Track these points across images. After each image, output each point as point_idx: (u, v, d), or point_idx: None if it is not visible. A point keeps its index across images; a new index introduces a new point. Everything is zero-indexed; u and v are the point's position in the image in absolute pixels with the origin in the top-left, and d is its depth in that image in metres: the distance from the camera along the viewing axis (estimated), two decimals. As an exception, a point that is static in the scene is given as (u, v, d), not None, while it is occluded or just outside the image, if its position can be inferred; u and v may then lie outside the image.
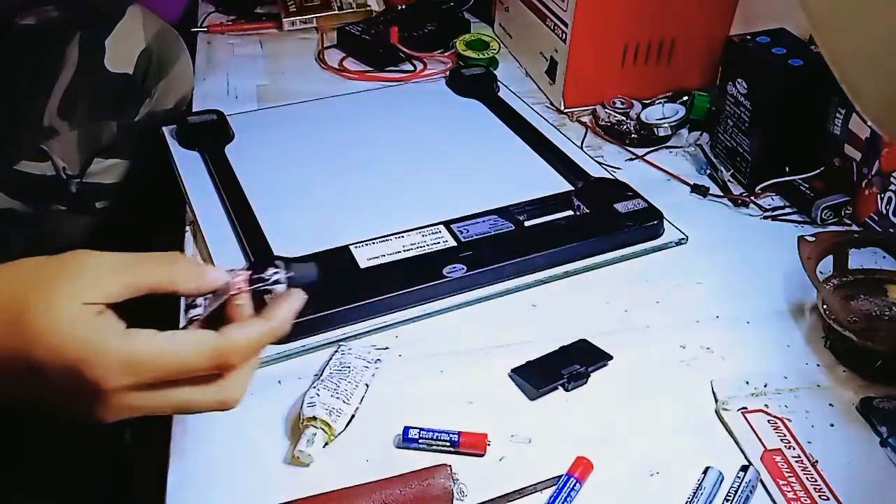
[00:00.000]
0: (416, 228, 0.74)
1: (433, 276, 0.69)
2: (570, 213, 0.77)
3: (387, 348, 0.65)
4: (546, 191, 0.80)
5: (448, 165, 0.86)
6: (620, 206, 0.77)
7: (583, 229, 0.75)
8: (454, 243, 0.72)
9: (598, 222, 0.76)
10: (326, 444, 0.56)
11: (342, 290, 0.67)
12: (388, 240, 0.72)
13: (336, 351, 0.63)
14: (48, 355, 0.43)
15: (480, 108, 0.96)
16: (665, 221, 0.77)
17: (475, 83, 1.00)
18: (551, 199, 0.78)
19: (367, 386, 0.61)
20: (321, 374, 0.61)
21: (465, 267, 0.69)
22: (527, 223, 0.75)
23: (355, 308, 0.66)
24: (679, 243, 0.77)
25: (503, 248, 0.72)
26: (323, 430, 0.56)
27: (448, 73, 1.02)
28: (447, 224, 0.74)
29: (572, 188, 0.81)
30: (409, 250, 0.71)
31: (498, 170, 0.85)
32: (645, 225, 0.76)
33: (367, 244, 0.72)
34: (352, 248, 0.71)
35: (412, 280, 0.68)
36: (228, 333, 0.48)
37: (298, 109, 0.95)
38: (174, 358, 0.46)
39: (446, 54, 1.09)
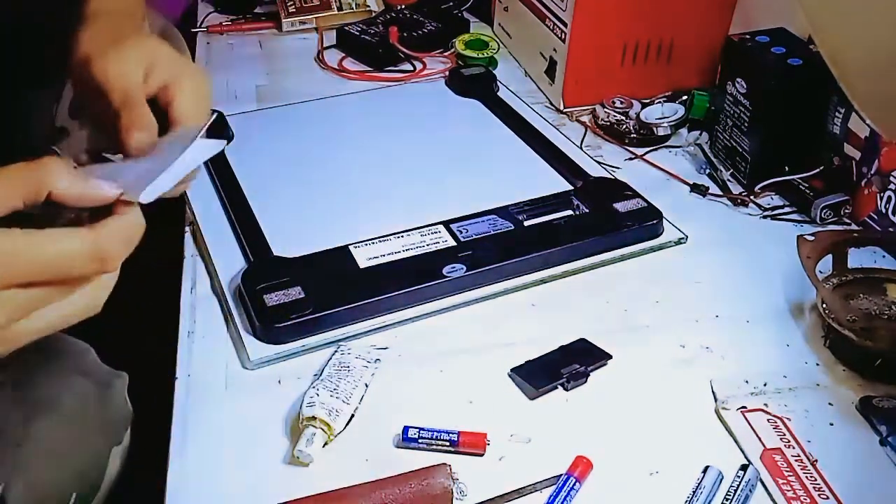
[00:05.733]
0: (416, 228, 0.74)
1: (433, 275, 0.69)
2: (570, 212, 0.77)
3: (386, 348, 0.65)
4: (545, 190, 0.80)
5: (447, 165, 0.86)
6: (620, 206, 0.77)
7: (582, 229, 0.75)
8: (454, 243, 0.72)
9: (597, 222, 0.76)
10: (326, 443, 0.56)
11: (342, 291, 0.67)
12: (387, 240, 0.72)
13: (336, 351, 0.63)
14: None
15: (480, 108, 0.96)
16: (664, 221, 0.77)
17: (475, 83, 1.00)
18: (551, 199, 0.78)
19: (367, 386, 0.61)
20: (321, 374, 0.61)
21: (464, 267, 0.69)
22: (526, 223, 0.75)
23: (355, 308, 0.66)
24: (678, 243, 0.77)
25: (503, 248, 0.72)
26: (322, 429, 0.56)
27: (448, 73, 1.02)
28: (447, 224, 0.74)
29: (571, 188, 0.81)
30: (408, 250, 0.71)
31: (497, 169, 0.85)
32: (644, 224, 0.76)
33: (366, 244, 0.72)
34: (351, 248, 0.71)
35: (412, 280, 0.68)
36: (106, 225, 0.45)
37: (298, 109, 0.95)
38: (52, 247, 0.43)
39: (446, 54, 1.09)
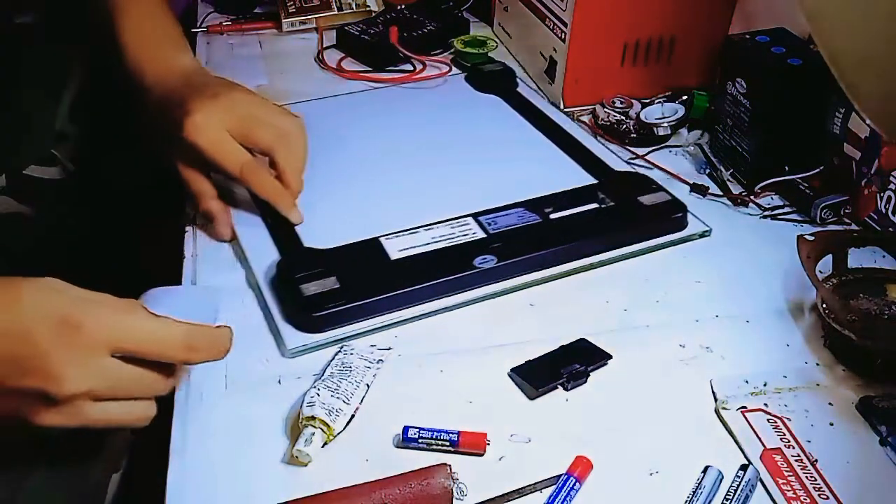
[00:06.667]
0: (445, 221, 0.74)
1: (464, 266, 0.69)
2: (595, 205, 0.78)
3: (389, 349, 0.65)
4: (569, 184, 0.80)
5: (471, 160, 0.86)
6: (645, 199, 0.78)
7: (609, 221, 0.76)
8: (483, 235, 0.73)
9: (623, 215, 0.77)
10: (325, 443, 0.56)
11: (376, 281, 0.68)
12: (417, 232, 0.73)
13: (339, 351, 0.63)
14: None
15: (500, 103, 0.97)
16: (689, 214, 0.78)
17: (495, 79, 1.01)
18: (576, 193, 0.79)
19: (368, 386, 0.61)
20: (322, 374, 0.61)
21: (495, 258, 0.70)
22: (552, 215, 0.76)
23: (390, 298, 0.67)
24: (703, 235, 0.78)
25: (532, 240, 0.73)
26: (322, 429, 0.56)
27: (468, 69, 1.04)
28: (475, 216, 0.75)
29: (595, 181, 0.81)
30: (438, 242, 0.72)
31: (521, 163, 0.86)
32: (670, 217, 0.77)
33: (396, 236, 0.72)
34: (382, 239, 0.72)
35: (445, 270, 0.69)
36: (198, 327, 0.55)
37: (312, 107, 0.95)
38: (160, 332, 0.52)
39: (446, 54, 1.09)
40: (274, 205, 0.74)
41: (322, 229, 0.74)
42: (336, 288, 0.66)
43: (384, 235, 0.72)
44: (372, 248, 0.71)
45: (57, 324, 0.48)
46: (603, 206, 0.78)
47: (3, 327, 0.48)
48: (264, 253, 0.73)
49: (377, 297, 0.66)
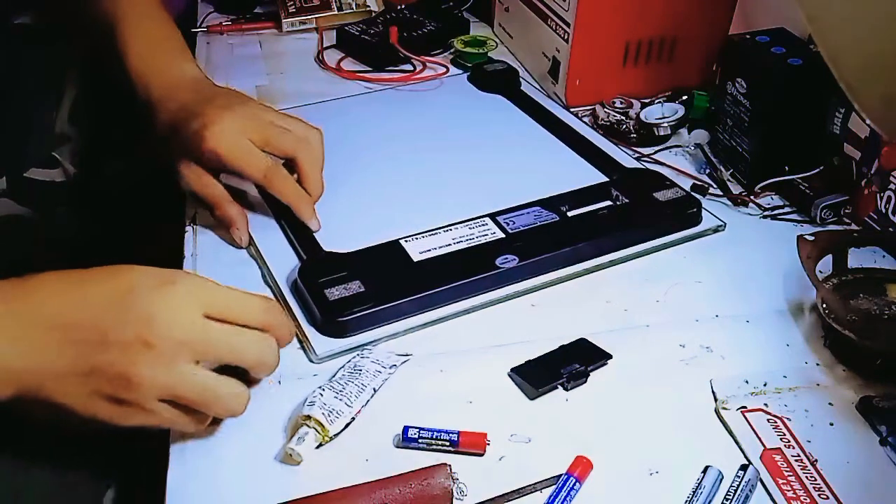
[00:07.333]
0: (463, 221, 0.74)
1: (487, 266, 0.70)
2: (610, 203, 0.78)
3: (409, 355, 0.64)
4: (581, 182, 0.81)
5: (481, 160, 0.86)
6: (659, 195, 0.78)
7: (627, 218, 0.77)
8: (502, 235, 0.73)
9: (639, 211, 0.77)
10: (320, 445, 0.56)
11: (401, 283, 0.67)
12: (436, 233, 0.73)
13: (356, 354, 0.63)
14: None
15: (504, 102, 0.97)
16: (703, 210, 0.78)
17: (498, 78, 1.01)
18: (590, 190, 0.79)
19: (375, 391, 0.60)
20: (334, 375, 0.61)
21: (516, 257, 0.70)
22: (570, 213, 0.76)
23: (415, 300, 0.67)
24: (716, 230, 0.78)
25: (552, 238, 0.73)
26: (316, 430, 0.56)
27: (471, 68, 1.04)
28: (492, 216, 0.75)
29: (607, 179, 0.82)
30: (459, 243, 0.72)
31: (531, 162, 0.86)
32: (685, 213, 0.77)
33: (416, 238, 0.72)
34: (402, 242, 0.72)
35: (468, 271, 0.69)
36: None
37: (319, 110, 0.95)
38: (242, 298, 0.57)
39: (446, 54, 1.09)
40: (295, 210, 0.75)
41: (339, 233, 0.74)
42: (361, 292, 0.66)
43: (404, 237, 0.72)
44: (393, 251, 0.71)
45: (158, 282, 0.54)
46: (618, 202, 0.78)
47: (112, 285, 0.54)
48: (282, 257, 0.72)
49: (404, 300, 0.66)
